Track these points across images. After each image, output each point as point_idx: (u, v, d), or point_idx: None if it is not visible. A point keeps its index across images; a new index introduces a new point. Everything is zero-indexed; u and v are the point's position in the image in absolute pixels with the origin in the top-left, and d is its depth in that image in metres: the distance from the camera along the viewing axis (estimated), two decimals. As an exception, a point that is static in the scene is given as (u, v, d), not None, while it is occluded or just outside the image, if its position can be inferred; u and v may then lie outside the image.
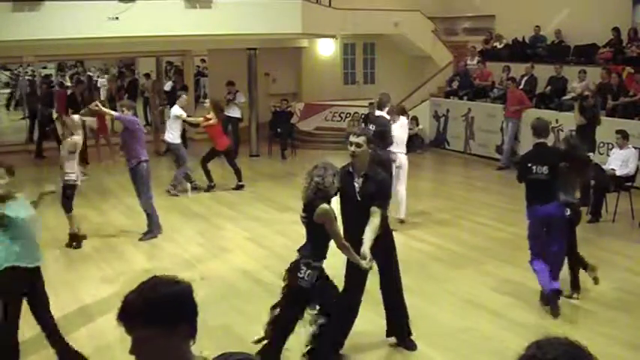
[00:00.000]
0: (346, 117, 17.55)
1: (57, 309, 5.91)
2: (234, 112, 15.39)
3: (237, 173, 12.33)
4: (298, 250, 5.15)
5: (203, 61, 20.54)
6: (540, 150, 6.73)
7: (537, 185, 6.58)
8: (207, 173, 12.18)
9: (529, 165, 6.61)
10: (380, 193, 5.37)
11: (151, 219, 9.33)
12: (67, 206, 8.81)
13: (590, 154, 9.34)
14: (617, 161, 10.05)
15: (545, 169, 6.54)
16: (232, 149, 12.88)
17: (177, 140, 11.95)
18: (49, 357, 5.58)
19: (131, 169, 9.19)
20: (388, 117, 9.35)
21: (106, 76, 24.41)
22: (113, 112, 10.19)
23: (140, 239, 9.21)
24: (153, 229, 9.34)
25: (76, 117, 9.11)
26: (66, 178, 8.65)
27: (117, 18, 12.55)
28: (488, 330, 6.40)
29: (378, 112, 9.47)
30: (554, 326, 6.13)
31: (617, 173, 9.90)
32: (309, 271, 5.03)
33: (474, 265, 7.95)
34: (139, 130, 9.28)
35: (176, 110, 11.94)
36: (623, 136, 10.09)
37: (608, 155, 10.88)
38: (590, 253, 8.56)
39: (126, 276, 7.77)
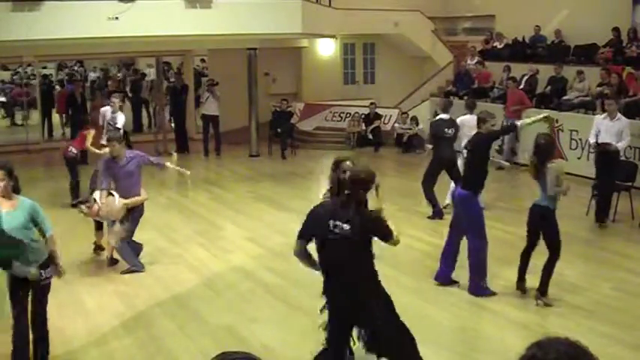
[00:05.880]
0: (346, 117, 17.57)
1: (56, 307, 5.92)
2: (212, 110, 15.36)
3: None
4: None
5: (203, 61, 20.54)
6: None
7: None
8: None
9: None
10: None
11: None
12: None
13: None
14: (609, 135, 9.58)
15: None
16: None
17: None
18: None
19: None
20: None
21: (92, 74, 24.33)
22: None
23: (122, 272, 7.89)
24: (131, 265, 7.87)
25: None
26: None
27: (117, 18, 12.54)
28: (488, 330, 6.41)
29: (443, 116, 10.40)
30: (555, 326, 6.14)
31: (617, 147, 9.48)
32: None
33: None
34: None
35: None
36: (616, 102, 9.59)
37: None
38: (590, 253, 8.59)
39: (126, 276, 7.69)
